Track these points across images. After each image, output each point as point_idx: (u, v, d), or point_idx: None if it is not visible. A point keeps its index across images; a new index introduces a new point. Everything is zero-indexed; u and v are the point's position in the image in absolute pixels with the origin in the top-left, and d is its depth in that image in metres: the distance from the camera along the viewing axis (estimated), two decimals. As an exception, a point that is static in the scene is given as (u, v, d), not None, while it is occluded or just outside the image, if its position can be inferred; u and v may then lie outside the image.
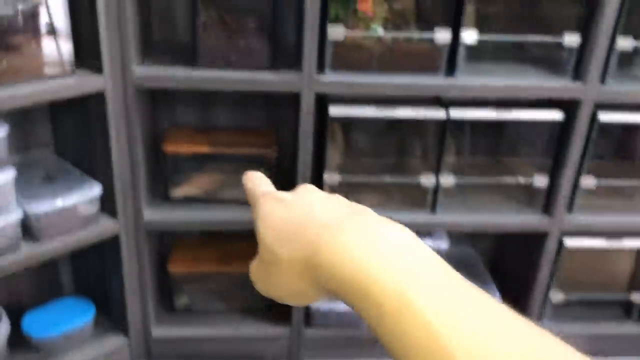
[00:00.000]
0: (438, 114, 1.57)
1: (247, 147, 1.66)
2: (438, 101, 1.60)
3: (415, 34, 1.52)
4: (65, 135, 1.66)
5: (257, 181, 0.50)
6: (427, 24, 1.52)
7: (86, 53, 1.44)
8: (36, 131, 1.67)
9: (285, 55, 1.60)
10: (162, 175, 1.70)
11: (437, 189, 1.66)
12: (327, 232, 0.39)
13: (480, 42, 1.50)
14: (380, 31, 1.50)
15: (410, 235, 0.37)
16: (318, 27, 1.44)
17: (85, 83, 1.41)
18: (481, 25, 1.51)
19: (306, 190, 0.46)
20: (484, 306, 0.33)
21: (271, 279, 0.43)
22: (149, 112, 1.68)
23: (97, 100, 1.45)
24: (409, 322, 0.32)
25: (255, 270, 0.46)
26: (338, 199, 0.44)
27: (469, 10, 1.48)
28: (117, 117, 1.47)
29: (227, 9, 1.51)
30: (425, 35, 1.52)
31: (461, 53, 1.51)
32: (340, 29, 1.47)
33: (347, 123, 1.63)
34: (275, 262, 0.42)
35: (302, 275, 0.40)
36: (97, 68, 1.41)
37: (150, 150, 1.69)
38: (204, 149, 1.64)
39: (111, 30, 1.39)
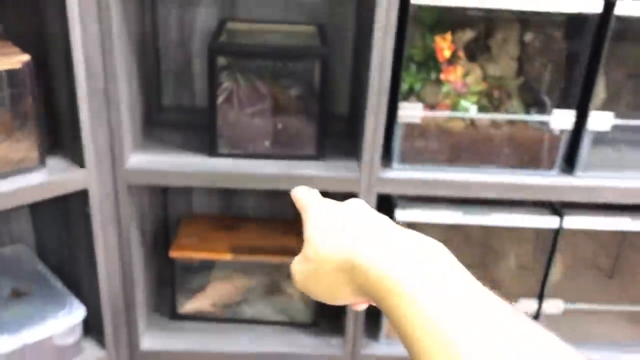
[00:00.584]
0: (548, 221, 1.13)
1: (279, 252, 1.24)
2: (545, 203, 1.15)
3: (521, 115, 1.09)
4: (46, 233, 1.26)
5: (307, 192, 0.52)
6: (537, 101, 1.09)
7: (66, 140, 1.05)
8: (11, 223, 1.28)
9: (336, 136, 1.18)
10: (168, 285, 1.29)
11: (538, 315, 1.21)
12: (366, 239, 0.42)
13: (613, 128, 1.06)
14: (472, 110, 1.07)
15: (439, 250, 0.40)
16: (386, 104, 1.02)
17: (62, 180, 1.01)
18: (613, 104, 1.06)
19: (356, 201, 0.49)
20: (492, 308, 0.35)
21: (311, 276, 0.46)
22: (155, 200, 1.28)
23: (78, 198, 1.05)
24: (418, 322, 0.35)
25: (298, 266, 0.48)
26: (382, 216, 0.46)
27: (600, 83, 1.04)
28: (105, 219, 1.07)
29: (260, 73, 1.10)
30: (536, 117, 1.08)
31: (585, 143, 1.06)
32: (416, 108, 1.05)
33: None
34: (318, 260, 0.44)
35: (340, 274, 0.43)
36: (79, 160, 1.02)
37: (154, 252, 1.28)
38: (221, 254, 1.23)
39: (97, 113, 0.99)
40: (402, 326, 0.36)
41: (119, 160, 1.04)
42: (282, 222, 1.34)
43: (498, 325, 0.33)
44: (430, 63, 1.06)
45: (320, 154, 1.10)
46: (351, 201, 0.49)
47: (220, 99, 1.08)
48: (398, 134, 1.06)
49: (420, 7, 0.99)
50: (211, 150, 1.09)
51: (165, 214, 1.36)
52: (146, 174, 1.05)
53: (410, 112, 1.04)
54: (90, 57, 0.96)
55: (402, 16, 0.97)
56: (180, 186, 1.09)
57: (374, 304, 0.42)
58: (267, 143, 1.10)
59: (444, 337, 0.33)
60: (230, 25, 1.19)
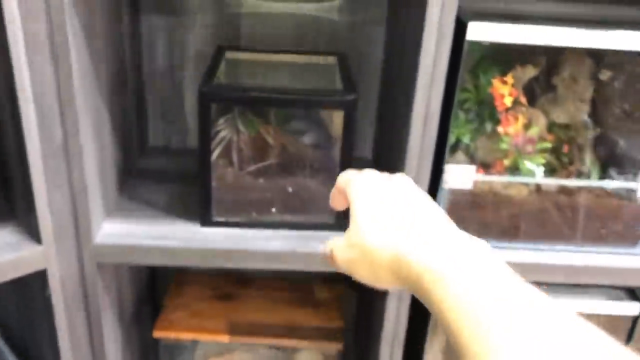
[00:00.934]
0: (625, 308, 0.90)
1: (288, 331, 1.01)
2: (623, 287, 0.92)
3: (599, 181, 0.85)
4: (7, 313, 1.04)
5: (353, 175, 0.51)
6: (618, 159, 0.86)
7: (20, 209, 0.82)
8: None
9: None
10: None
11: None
12: (412, 235, 0.41)
13: None
14: (538, 174, 0.83)
15: (484, 248, 0.40)
16: (430, 168, 0.79)
17: (15, 260, 0.78)
18: None
19: (403, 180, 0.48)
20: (530, 300, 0.35)
21: (356, 261, 0.45)
22: (136, 270, 1.06)
23: (38, 278, 0.83)
24: (463, 316, 0.34)
25: (342, 250, 0.47)
26: (429, 202, 0.46)
27: None
28: (70, 302, 0.84)
29: (266, 118, 0.88)
30: (617, 184, 0.85)
31: (682, 214, 0.83)
32: (467, 170, 0.81)
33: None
34: (364, 250, 0.44)
35: (385, 266, 0.42)
36: (35, 234, 0.79)
37: (135, 329, 1.06)
38: (216, 335, 1.00)
39: (54, 175, 0.76)
40: (446, 319, 0.36)
41: (85, 233, 0.81)
42: (293, 287, 1.11)
43: (544, 321, 0.33)
44: (484, 111, 0.82)
45: (341, 223, 0.87)
46: (399, 180, 0.48)
47: (215, 154, 0.85)
48: (443, 201, 0.83)
49: (477, 44, 0.76)
50: (204, 218, 0.86)
51: (152, 278, 1.14)
52: (119, 250, 0.83)
53: (460, 175, 0.81)
54: (44, 106, 0.73)
55: (453, 54, 0.74)
56: (163, 265, 0.86)
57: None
58: (274, 209, 0.87)
59: (489, 336, 0.32)
60: (229, 54, 0.96)
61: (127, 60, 0.95)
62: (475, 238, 0.41)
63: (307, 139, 0.93)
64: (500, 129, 0.82)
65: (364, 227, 0.44)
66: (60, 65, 0.71)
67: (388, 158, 0.93)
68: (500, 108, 0.81)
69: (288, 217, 0.87)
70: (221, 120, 0.86)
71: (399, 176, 0.48)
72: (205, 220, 0.86)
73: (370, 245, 0.43)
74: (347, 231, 0.47)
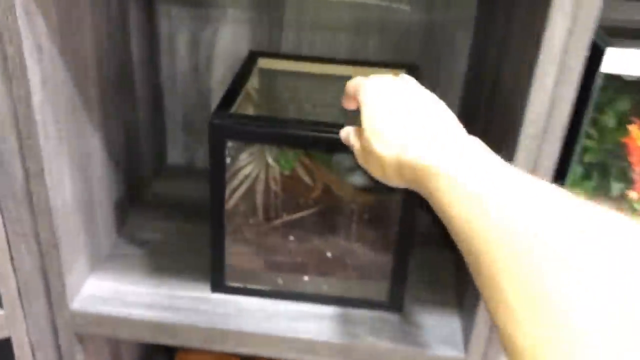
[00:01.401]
0: None
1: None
2: None
3: None
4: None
5: (360, 80, 0.50)
6: None
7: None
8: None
9: (426, 247, 0.72)
10: None
11: None
12: (417, 136, 0.41)
13: None
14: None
15: (478, 142, 0.39)
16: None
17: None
18: None
19: (408, 81, 0.48)
20: (533, 185, 0.33)
21: (368, 162, 0.46)
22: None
23: (3, 346, 0.65)
24: (474, 213, 0.34)
25: (357, 152, 0.47)
26: (434, 100, 0.45)
27: None
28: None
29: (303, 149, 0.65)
30: None
31: None
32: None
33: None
34: (373, 155, 0.44)
35: (392, 168, 0.43)
36: (-10, 294, 0.61)
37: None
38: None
39: (16, 221, 0.57)
40: (455, 218, 0.35)
41: (58, 296, 0.62)
42: None
43: (557, 204, 0.31)
44: (611, 167, 0.58)
45: (397, 303, 0.65)
46: (407, 82, 0.47)
47: (233, 200, 0.64)
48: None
49: (615, 79, 0.50)
50: (215, 281, 0.65)
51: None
52: (101, 320, 0.63)
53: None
54: (-1, 135, 0.53)
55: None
56: (159, 344, 0.67)
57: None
58: (306, 277, 0.66)
59: (507, 231, 0.31)
60: (263, 63, 0.74)
61: (135, 62, 0.75)
62: (466, 138, 0.40)
63: (357, 180, 0.70)
64: (633, 194, 0.57)
65: (372, 134, 0.44)
66: (14, 79, 0.51)
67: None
68: (636, 165, 0.56)
69: (325, 289, 0.66)
70: (244, 155, 0.65)
71: (407, 78, 0.48)
72: (217, 284, 0.66)
73: (378, 152, 0.43)
74: (361, 138, 0.46)
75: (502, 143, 0.54)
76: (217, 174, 0.59)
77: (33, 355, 0.65)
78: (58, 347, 0.65)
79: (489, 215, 0.32)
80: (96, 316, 0.63)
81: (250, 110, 0.73)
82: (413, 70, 0.73)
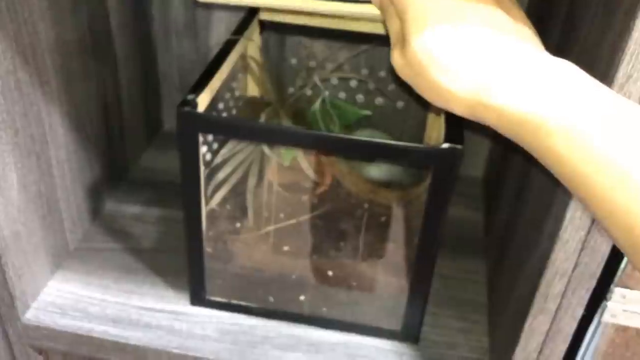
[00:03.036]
0: None
1: None
2: None
3: None
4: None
5: None
6: None
7: None
8: None
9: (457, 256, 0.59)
10: None
11: None
12: (502, 73, 0.31)
13: None
14: None
15: (577, 70, 0.31)
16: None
17: None
18: None
19: None
20: None
21: (417, 81, 0.34)
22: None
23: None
24: (579, 153, 0.28)
25: (396, 55, 0.35)
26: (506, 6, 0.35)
27: None
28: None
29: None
30: None
31: None
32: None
33: None
34: (429, 77, 0.33)
35: (464, 103, 0.32)
36: None
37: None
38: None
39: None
40: (560, 164, 0.29)
41: (6, 307, 0.52)
42: None
43: None
44: None
45: (412, 332, 0.53)
46: None
47: (214, 199, 0.52)
48: (594, 339, 0.46)
49: None
50: (195, 293, 0.55)
51: None
52: (57, 336, 0.53)
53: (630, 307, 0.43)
54: None
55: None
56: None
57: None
58: (303, 296, 0.54)
59: (616, 169, 0.27)
60: (266, 16, 0.59)
61: (112, 15, 0.62)
62: (563, 61, 0.31)
63: (376, 173, 0.57)
64: None
65: (430, 59, 0.32)
66: None
67: (513, 187, 0.57)
68: None
69: (324, 312, 0.54)
70: (233, 142, 0.52)
71: None
72: (196, 297, 0.55)
73: (443, 85, 0.32)
74: (400, 39, 0.35)
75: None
76: (190, 173, 0.47)
77: (-13, 364, 0.57)
78: (14, 358, 0.56)
79: (630, 177, 0.27)
80: (52, 330, 0.53)
81: (248, 87, 0.60)
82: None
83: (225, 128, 0.45)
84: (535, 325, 0.43)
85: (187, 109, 0.44)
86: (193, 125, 0.44)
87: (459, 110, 0.33)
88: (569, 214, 0.37)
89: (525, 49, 0.32)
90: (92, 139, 0.61)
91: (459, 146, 0.42)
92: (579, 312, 0.41)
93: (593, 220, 0.37)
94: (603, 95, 0.29)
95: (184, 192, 0.48)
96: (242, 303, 0.54)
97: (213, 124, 0.44)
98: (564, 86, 0.30)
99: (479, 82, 0.31)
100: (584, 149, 0.28)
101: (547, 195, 0.42)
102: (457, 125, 0.43)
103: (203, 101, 0.45)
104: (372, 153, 0.44)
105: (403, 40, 0.34)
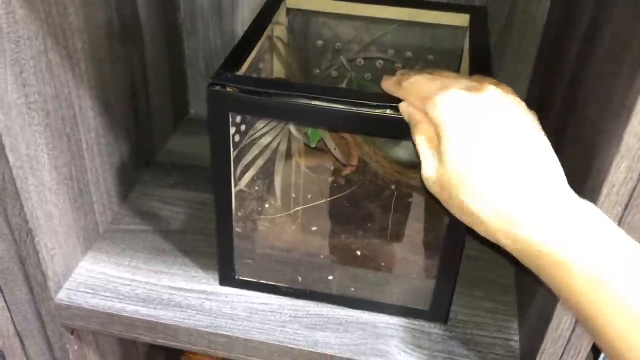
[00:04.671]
0: None
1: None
2: None
3: None
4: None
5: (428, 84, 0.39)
6: None
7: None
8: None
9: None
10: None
11: None
12: (530, 208, 0.33)
13: None
14: None
15: (599, 213, 0.33)
16: None
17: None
18: None
19: (508, 107, 0.36)
20: None
21: (447, 201, 0.36)
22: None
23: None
24: (604, 302, 0.31)
25: (429, 174, 0.37)
26: (533, 138, 0.35)
27: None
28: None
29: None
30: None
31: None
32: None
33: None
34: (461, 204, 0.35)
35: (488, 229, 0.35)
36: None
37: None
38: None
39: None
40: (581, 305, 0.32)
41: (39, 286, 0.53)
42: None
43: None
44: None
45: (441, 312, 0.52)
46: (496, 100, 0.36)
47: (243, 180, 0.52)
48: None
49: None
50: (224, 274, 0.55)
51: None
52: (90, 315, 0.54)
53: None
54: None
55: None
56: (154, 342, 0.57)
57: None
58: (331, 277, 0.54)
59: (634, 314, 0.30)
60: (293, 2, 0.59)
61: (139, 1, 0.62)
62: (585, 202, 0.33)
63: (403, 153, 0.57)
64: None
65: (462, 182, 0.34)
66: None
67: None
68: None
69: (352, 292, 0.54)
70: (260, 123, 0.53)
71: (495, 94, 0.36)
72: (225, 277, 0.55)
73: (473, 209, 0.34)
74: (433, 152, 0.36)
75: (597, 135, 0.39)
76: (220, 153, 0.47)
77: (22, 343, 0.58)
78: (47, 337, 0.57)
79: (632, 311, 0.30)
80: (83, 310, 0.54)
81: (273, 68, 0.60)
82: (480, 13, 0.58)
83: (255, 107, 0.45)
84: (564, 315, 0.42)
85: (217, 87, 0.44)
86: (223, 104, 0.45)
87: (482, 232, 0.35)
88: (605, 190, 0.36)
89: (553, 188, 0.34)
90: (120, 123, 0.62)
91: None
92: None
93: (631, 196, 0.37)
94: (622, 241, 0.31)
95: (213, 173, 0.49)
96: (271, 283, 0.54)
97: (243, 102, 0.44)
98: (588, 229, 0.32)
99: (507, 213, 0.33)
100: (604, 292, 0.30)
101: (580, 173, 0.42)
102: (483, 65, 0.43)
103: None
104: (400, 130, 0.44)
105: (438, 154, 0.36)
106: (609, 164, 0.36)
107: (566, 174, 0.35)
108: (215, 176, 0.49)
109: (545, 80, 0.60)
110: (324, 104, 0.42)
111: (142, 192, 0.67)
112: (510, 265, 0.59)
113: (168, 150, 0.74)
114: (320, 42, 0.63)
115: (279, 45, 0.58)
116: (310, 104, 0.43)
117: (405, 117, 0.40)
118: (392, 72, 0.56)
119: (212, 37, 0.74)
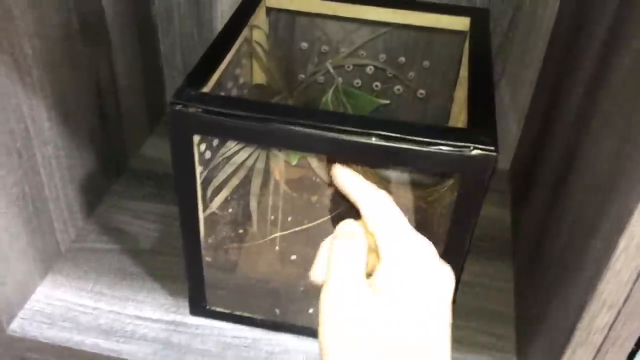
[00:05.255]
0: None
1: None
2: None
3: None
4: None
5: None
6: None
7: None
8: None
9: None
10: None
11: None
12: None
13: None
14: None
15: None
16: None
17: None
18: None
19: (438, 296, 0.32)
20: None
21: None
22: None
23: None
24: None
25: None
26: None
27: None
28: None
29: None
30: None
31: None
32: None
33: None
34: None
35: None
36: None
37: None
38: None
39: None
40: None
41: (-8, 316, 0.48)
42: None
43: None
44: None
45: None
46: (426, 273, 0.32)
47: (215, 201, 0.47)
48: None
49: None
50: (194, 302, 0.50)
51: None
52: (44, 347, 0.49)
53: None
54: None
55: None
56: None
57: None
58: (312, 309, 0.49)
59: None
60: (274, 1, 0.53)
61: (106, -3, 0.56)
62: None
63: (393, 172, 0.52)
64: None
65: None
66: None
67: (549, 182, 0.51)
68: None
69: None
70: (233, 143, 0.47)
71: (440, 280, 0.32)
72: (196, 306, 0.50)
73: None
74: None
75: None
76: (184, 178, 0.42)
77: (-26, 374, 0.53)
78: (2, 368, 0.52)
79: None
80: (38, 343, 0.49)
81: (254, 73, 0.54)
82: (481, 16, 0.52)
83: (222, 129, 0.39)
84: (576, 359, 0.37)
85: (178, 107, 0.38)
86: (186, 125, 0.39)
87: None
88: (622, 243, 0.31)
89: None
90: (84, 131, 0.56)
91: (492, 152, 0.36)
92: (629, 346, 0.36)
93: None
94: None
95: (178, 198, 0.43)
96: (246, 314, 0.49)
97: (208, 124, 0.39)
98: None
99: None
100: None
101: (588, 219, 0.36)
102: (485, 115, 0.37)
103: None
104: (387, 158, 0.39)
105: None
106: (629, 212, 0.30)
107: (571, 220, 0.30)
108: (180, 202, 0.43)
109: (553, 92, 0.54)
110: (299, 128, 0.37)
111: (111, 205, 0.61)
112: (509, 290, 0.54)
113: (142, 155, 0.68)
114: (304, 45, 0.57)
115: (258, 49, 0.53)
116: (284, 127, 0.37)
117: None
118: (384, 79, 0.51)
119: (189, 32, 0.68)
